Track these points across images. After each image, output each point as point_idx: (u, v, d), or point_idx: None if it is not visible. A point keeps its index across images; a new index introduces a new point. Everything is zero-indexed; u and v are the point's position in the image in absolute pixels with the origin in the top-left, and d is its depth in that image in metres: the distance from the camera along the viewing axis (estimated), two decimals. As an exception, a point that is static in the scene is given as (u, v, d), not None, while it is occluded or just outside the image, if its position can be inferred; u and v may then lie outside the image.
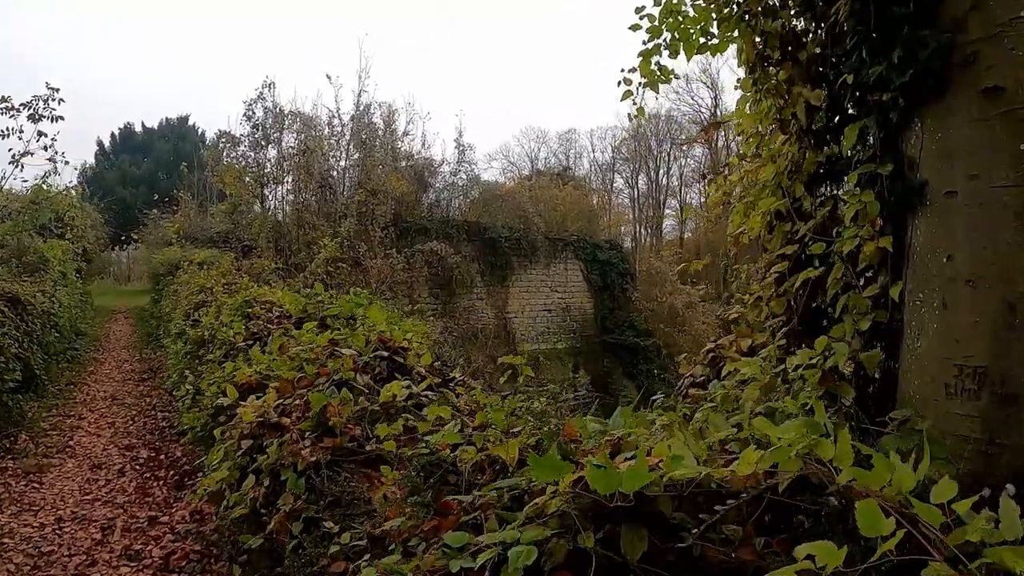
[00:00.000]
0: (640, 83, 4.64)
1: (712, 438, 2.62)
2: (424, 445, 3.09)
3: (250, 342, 5.96)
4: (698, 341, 34.83)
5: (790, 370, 3.48)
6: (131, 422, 12.59)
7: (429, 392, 3.91)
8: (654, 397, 3.94)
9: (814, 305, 3.83)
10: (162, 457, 10.20)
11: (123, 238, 42.37)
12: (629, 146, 72.57)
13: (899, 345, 3.42)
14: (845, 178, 3.67)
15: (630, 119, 4.88)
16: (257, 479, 3.76)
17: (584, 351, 34.15)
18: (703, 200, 71.16)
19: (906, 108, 3.27)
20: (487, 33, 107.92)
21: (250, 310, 7.21)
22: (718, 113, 65.22)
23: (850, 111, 3.60)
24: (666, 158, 70.69)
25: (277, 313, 6.82)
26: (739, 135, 5.00)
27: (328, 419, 3.45)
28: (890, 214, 3.32)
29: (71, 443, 11.25)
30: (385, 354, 4.38)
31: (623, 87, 4.69)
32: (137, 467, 9.88)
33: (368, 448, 3.35)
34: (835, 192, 3.83)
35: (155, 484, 9.10)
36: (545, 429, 3.14)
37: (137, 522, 7.69)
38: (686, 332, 35.14)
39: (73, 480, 9.40)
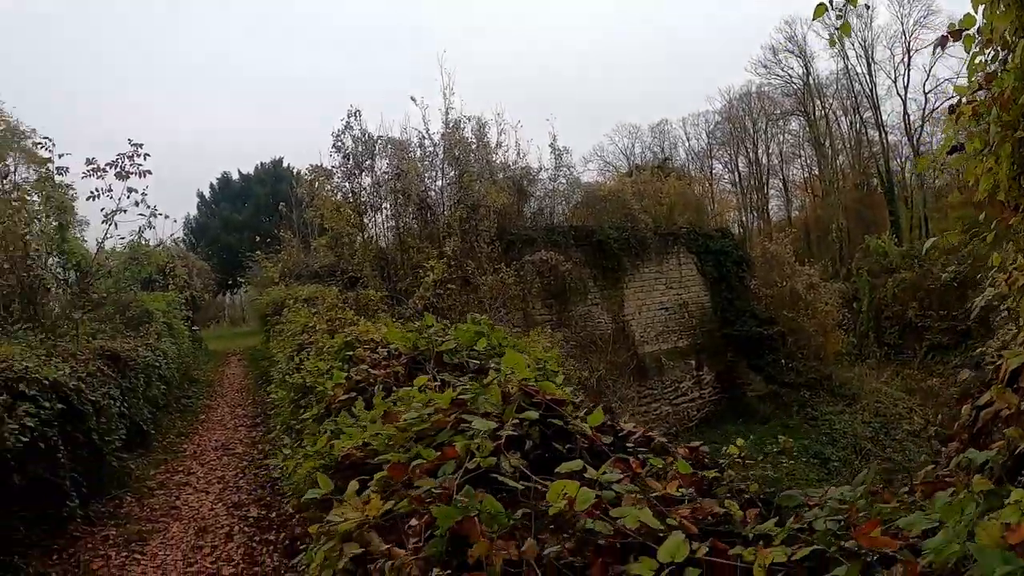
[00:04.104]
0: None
1: None
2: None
3: (353, 395, 4.82)
4: (823, 324, 33.24)
5: None
6: (241, 474, 12.03)
7: (614, 473, 2.59)
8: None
9: None
10: (273, 515, 9.53)
11: (230, 283, 43.18)
12: (724, 129, 71.01)
13: None
14: None
15: (831, 43, 3.67)
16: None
17: (706, 347, 32.51)
18: (807, 175, 69.05)
19: None
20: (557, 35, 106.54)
21: (352, 353, 6.09)
22: (810, 82, 63.19)
23: None
24: (763, 136, 68.91)
25: (384, 354, 5.66)
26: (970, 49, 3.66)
27: (468, 543, 2.21)
28: None
29: (177, 503, 10.69)
30: (535, 415, 3.08)
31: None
32: (246, 529, 9.22)
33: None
34: None
35: (265, 551, 8.38)
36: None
37: (243, 602, 6.83)
38: (810, 316, 33.20)
39: (177, 548, 8.73)
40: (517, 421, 2.92)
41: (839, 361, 34.91)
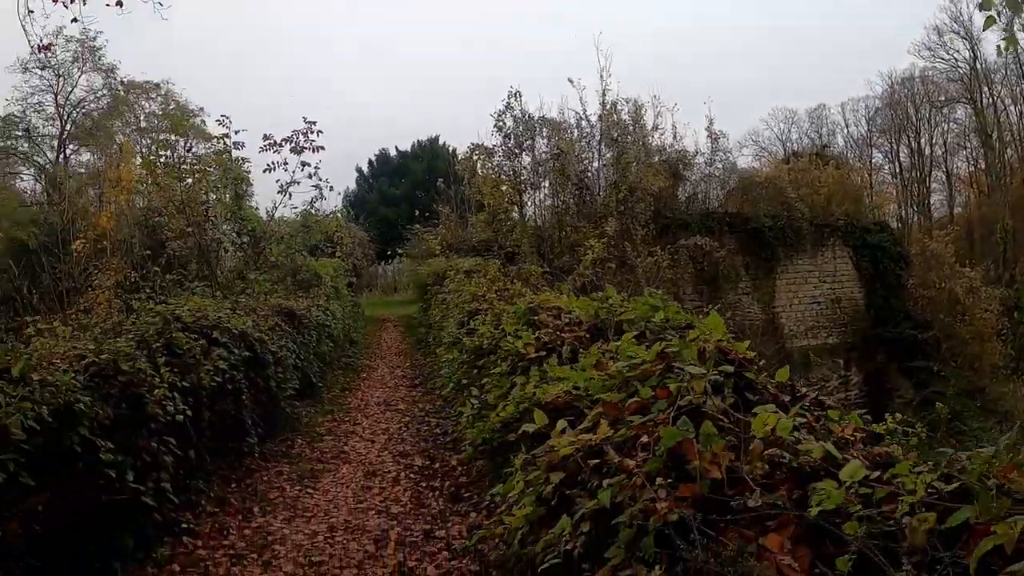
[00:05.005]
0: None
1: None
2: (822, 493, 2.36)
3: (542, 353, 5.48)
4: (981, 333, 31.28)
5: None
6: (404, 428, 12.75)
7: (798, 419, 3.15)
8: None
9: None
10: (436, 466, 10.05)
11: (388, 253, 44.89)
12: (885, 116, 66.94)
13: None
14: None
15: (1000, 51, 3.74)
16: (574, 524, 3.16)
17: (857, 346, 31.34)
18: (972, 168, 64.21)
19: None
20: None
21: (535, 318, 6.78)
22: (978, 66, 57.47)
23: None
24: (927, 125, 64.28)
25: (566, 320, 6.31)
26: None
27: (687, 460, 2.81)
28: None
29: (345, 448, 11.49)
30: (730, 369, 3.69)
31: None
32: (412, 475, 9.79)
33: (741, 499, 2.61)
34: None
35: (430, 495, 8.90)
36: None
37: (411, 535, 7.44)
38: (967, 322, 31.27)
39: (347, 487, 9.44)
40: (716, 372, 3.50)
41: (994, 374, 32.97)
